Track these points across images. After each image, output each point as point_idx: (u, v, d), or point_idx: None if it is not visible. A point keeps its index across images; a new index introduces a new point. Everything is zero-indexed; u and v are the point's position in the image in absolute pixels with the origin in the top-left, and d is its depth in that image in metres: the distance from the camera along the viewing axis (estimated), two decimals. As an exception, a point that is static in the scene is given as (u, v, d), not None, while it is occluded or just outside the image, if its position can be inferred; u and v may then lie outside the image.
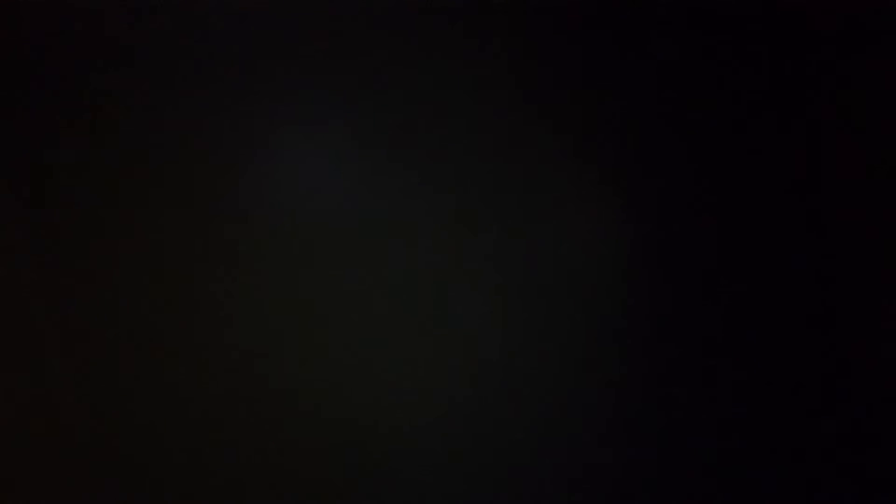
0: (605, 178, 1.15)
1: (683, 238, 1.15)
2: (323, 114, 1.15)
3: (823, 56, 1.11)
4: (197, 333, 1.17)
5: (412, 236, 1.16)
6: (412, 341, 1.17)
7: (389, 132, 1.15)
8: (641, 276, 1.15)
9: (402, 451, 1.18)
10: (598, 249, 1.15)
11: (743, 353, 1.16)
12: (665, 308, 1.15)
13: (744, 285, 1.15)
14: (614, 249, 1.15)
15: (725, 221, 1.15)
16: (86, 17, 1.13)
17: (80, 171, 1.15)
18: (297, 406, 1.17)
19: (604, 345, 1.16)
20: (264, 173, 1.16)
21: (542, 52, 1.13)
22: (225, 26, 1.13)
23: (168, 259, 1.17)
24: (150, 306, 1.17)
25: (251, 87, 1.14)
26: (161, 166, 1.15)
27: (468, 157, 1.15)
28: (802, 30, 1.12)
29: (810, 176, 1.14)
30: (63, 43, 1.14)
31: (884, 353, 1.12)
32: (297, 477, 1.18)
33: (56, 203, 1.16)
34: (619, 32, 1.13)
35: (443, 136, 1.14)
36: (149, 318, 1.17)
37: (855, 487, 1.14)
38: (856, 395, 1.14)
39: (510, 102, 1.14)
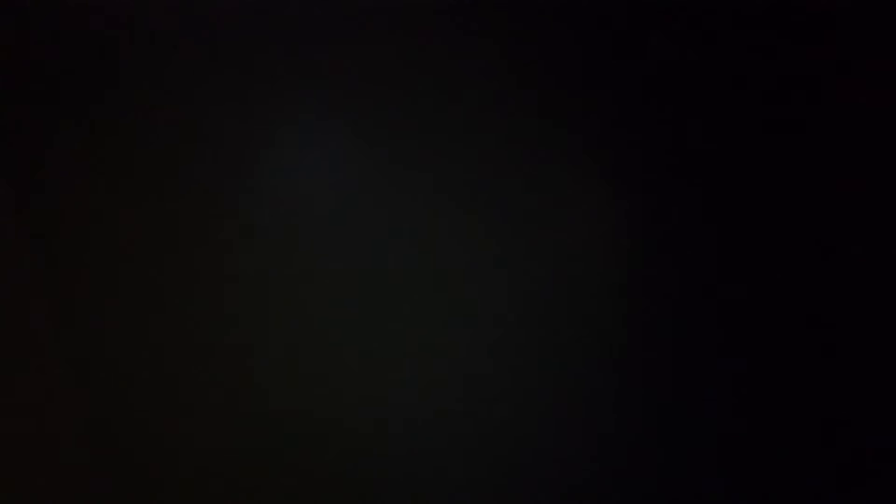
0: (607, 177, 1.15)
1: (688, 238, 1.15)
2: (323, 113, 1.15)
3: (825, 56, 1.11)
4: (197, 333, 1.17)
5: (411, 236, 1.16)
6: (413, 342, 1.17)
7: (390, 132, 1.15)
8: (646, 277, 1.15)
9: (402, 453, 1.18)
10: (601, 250, 1.15)
11: (747, 353, 1.16)
12: (670, 310, 1.15)
13: (751, 286, 1.15)
14: (619, 249, 1.15)
15: (730, 221, 1.15)
16: (86, 16, 1.13)
17: (79, 170, 1.16)
18: (298, 407, 1.18)
19: (608, 346, 1.16)
20: (264, 172, 1.16)
21: (543, 52, 1.13)
22: (225, 24, 1.13)
23: (168, 258, 1.17)
24: (149, 306, 1.17)
25: (251, 86, 1.15)
26: (161, 165, 1.16)
27: (468, 157, 1.15)
28: (803, 29, 1.12)
29: (812, 176, 1.14)
30: (62, 42, 1.14)
31: (884, 353, 1.12)
32: (299, 478, 1.18)
33: (55, 202, 1.16)
34: (620, 32, 1.13)
35: (443, 135, 1.15)
36: (148, 318, 1.17)
37: (855, 488, 1.15)
38: (857, 396, 1.14)
39: (510, 102, 1.14)
